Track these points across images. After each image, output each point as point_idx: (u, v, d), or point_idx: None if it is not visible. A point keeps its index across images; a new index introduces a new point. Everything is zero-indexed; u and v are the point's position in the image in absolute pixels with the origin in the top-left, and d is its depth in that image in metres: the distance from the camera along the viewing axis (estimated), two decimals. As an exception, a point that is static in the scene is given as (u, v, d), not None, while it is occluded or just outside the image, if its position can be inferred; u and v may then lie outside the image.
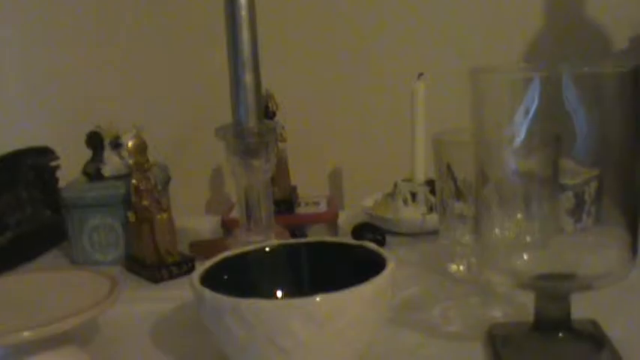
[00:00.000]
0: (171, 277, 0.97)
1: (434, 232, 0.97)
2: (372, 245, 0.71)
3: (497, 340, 0.70)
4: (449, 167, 0.85)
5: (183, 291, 0.88)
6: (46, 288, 0.74)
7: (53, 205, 1.15)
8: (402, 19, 1.33)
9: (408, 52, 1.33)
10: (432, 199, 1.08)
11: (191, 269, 0.97)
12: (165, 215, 0.98)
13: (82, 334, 0.76)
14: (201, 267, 0.69)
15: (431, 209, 1.08)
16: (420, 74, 1.10)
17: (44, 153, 1.19)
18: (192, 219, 1.23)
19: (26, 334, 0.62)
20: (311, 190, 1.26)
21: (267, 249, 0.75)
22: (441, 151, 0.86)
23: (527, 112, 0.61)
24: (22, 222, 1.12)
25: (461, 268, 0.89)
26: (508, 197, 0.67)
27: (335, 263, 0.73)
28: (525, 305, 0.76)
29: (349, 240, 0.79)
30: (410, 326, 0.76)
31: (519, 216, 0.67)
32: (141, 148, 0.99)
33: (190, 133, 1.40)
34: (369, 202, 1.18)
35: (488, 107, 0.67)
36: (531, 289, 0.68)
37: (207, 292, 0.61)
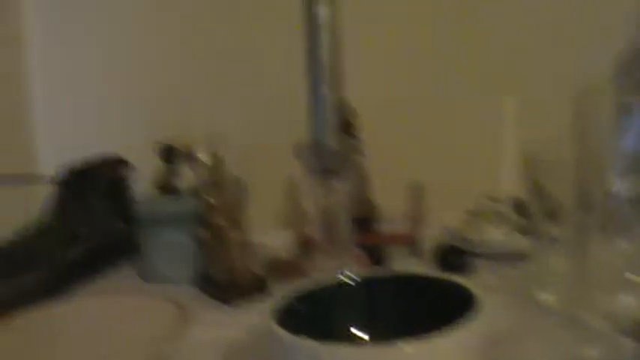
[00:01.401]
0: (244, 298, 0.93)
1: (519, 255, 0.92)
2: (463, 281, 0.66)
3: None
4: (541, 187, 0.80)
5: (256, 316, 0.85)
6: (114, 315, 0.72)
7: (125, 217, 1.13)
8: (487, 31, 1.28)
9: (495, 65, 1.27)
10: (518, 219, 1.03)
11: (264, 290, 0.94)
12: (239, 234, 0.95)
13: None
14: (275, 299, 0.65)
15: (517, 230, 1.03)
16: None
17: (118, 163, 1.17)
18: (262, 233, 1.19)
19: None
20: (387, 206, 1.21)
21: (348, 283, 0.70)
22: (532, 170, 0.81)
23: (636, 135, 0.57)
24: (93, 233, 1.10)
25: (552, 297, 0.83)
26: (611, 223, 0.62)
27: (415, 296, 0.69)
28: (625, 344, 0.70)
29: (439, 274, 0.73)
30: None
31: (624, 245, 0.62)
32: (216, 163, 0.96)
33: (262, 142, 1.37)
34: (450, 221, 1.13)
35: (594, 130, 0.62)
36: (634, 337, 0.62)
37: (283, 333, 0.57)
